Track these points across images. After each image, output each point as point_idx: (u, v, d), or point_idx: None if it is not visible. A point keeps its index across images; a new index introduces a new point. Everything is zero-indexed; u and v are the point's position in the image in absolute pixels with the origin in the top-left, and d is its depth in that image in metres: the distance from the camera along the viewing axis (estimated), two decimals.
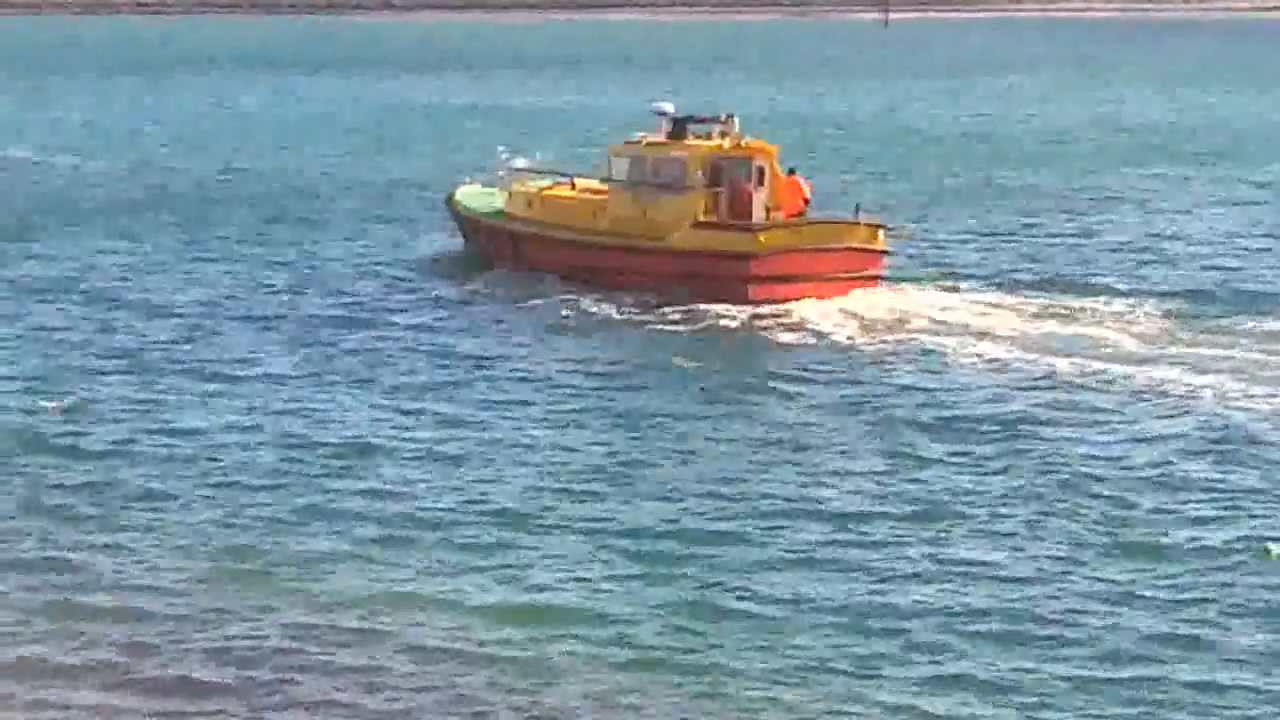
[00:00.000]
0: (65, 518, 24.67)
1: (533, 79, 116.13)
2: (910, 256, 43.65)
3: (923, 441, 28.57)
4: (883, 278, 40.09)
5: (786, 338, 36.77)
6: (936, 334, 36.59)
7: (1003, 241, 48.70)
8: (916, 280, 41.14)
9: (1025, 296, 40.08)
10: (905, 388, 32.37)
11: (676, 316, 38.05)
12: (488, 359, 34.38)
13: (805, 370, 33.87)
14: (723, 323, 37.81)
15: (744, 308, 38.43)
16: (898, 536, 24.05)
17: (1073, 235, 50.12)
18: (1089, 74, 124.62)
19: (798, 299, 38.78)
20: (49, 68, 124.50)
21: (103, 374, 32.81)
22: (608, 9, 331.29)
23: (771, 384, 32.84)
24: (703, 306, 38.52)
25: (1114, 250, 47.15)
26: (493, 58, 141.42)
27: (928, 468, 27.11)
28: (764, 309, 38.31)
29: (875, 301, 39.05)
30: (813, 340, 36.49)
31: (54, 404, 30.00)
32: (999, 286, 41.21)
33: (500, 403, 31.04)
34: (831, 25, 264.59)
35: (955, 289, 40.73)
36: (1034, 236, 49.74)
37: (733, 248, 39.35)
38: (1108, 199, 57.59)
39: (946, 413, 30.51)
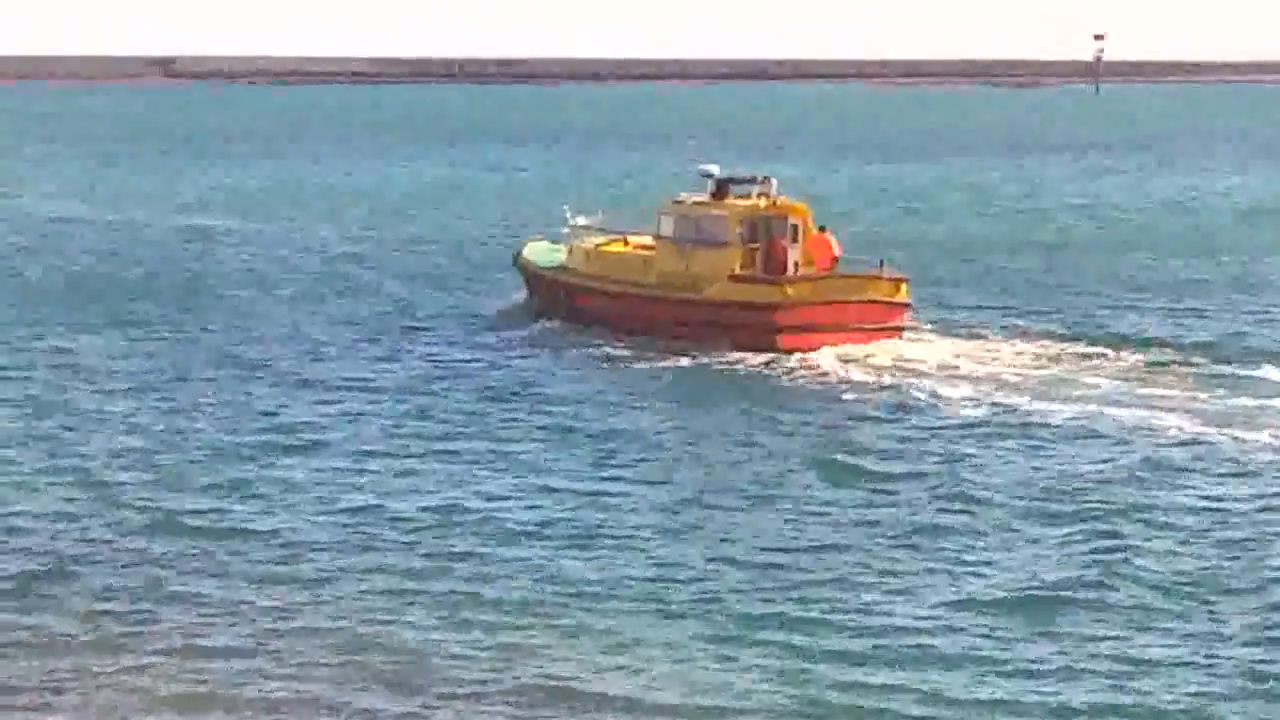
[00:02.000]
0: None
1: (731, 147, 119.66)
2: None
3: (903, 483, 29.91)
4: (905, 329, 42.60)
5: (806, 383, 39.17)
6: (948, 382, 38.74)
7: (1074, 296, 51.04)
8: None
9: (1046, 346, 42.39)
10: (905, 432, 33.99)
11: (709, 363, 40.79)
12: (515, 403, 36.84)
13: (813, 412, 35.91)
14: (750, 369, 40.38)
15: (773, 355, 41.15)
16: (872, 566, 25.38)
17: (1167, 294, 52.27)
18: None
19: (823, 348, 41.40)
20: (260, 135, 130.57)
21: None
22: (815, 78, 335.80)
23: (776, 422, 34.85)
24: (735, 355, 41.31)
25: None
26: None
27: (915, 511, 28.38)
28: (792, 358, 40.95)
29: (896, 351, 41.54)
30: (830, 385, 38.82)
31: None
32: (1023, 336, 43.54)
33: (507, 438, 33.49)
34: (1044, 94, 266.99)
35: (982, 338, 43.14)
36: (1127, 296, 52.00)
37: (762, 299, 42.13)
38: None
39: (930, 454, 32.06)
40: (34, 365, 40.06)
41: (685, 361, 40.88)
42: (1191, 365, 40.25)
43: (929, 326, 44.10)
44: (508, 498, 29.05)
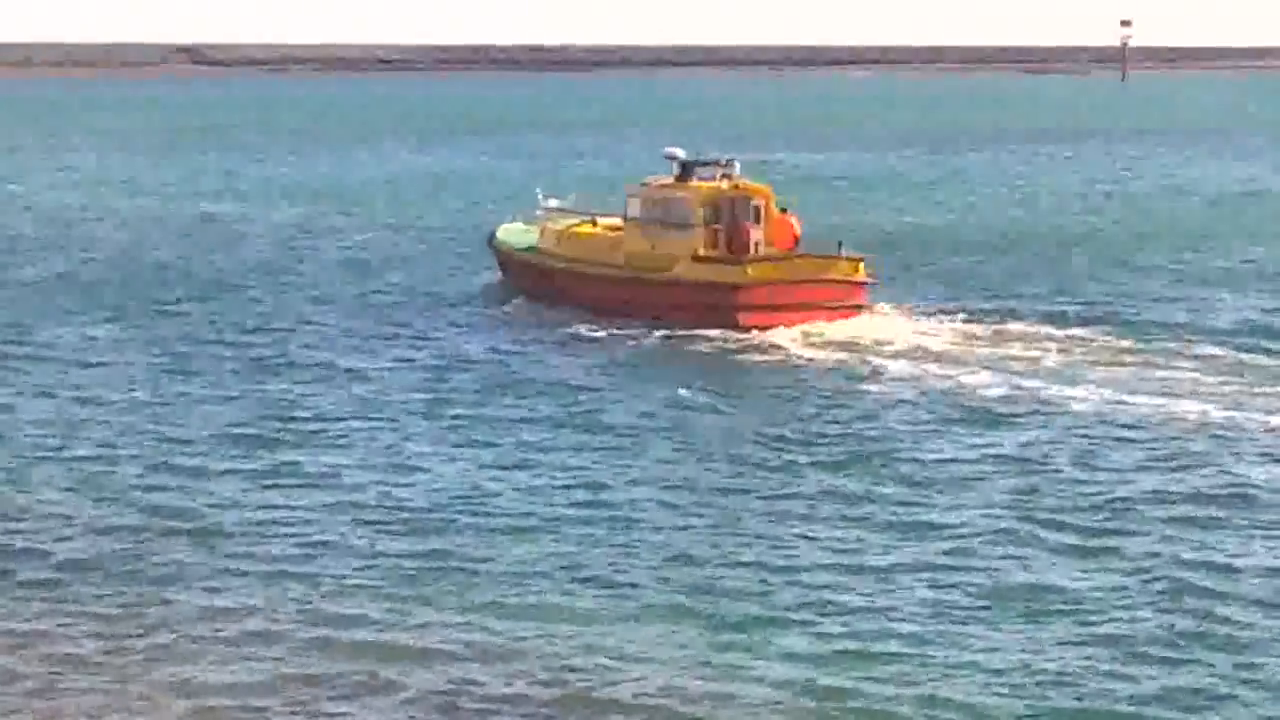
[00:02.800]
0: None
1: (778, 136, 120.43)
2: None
3: (850, 455, 30.75)
4: (863, 307, 43.54)
5: (764, 360, 40.07)
6: (903, 358, 39.62)
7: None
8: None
9: (1003, 327, 43.30)
10: (854, 405, 34.78)
11: (672, 341, 41.78)
12: (477, 378, 37.75)
13: (768, 389, 36.86)
14: (711, 347, 41.34)
15: (734, 334, 42.13)
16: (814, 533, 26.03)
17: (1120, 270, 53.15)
18: None
19: (784, 326, 42.38)
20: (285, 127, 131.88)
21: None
22: (842, 65, 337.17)
23: (730, 399, 35.70)
24: (698, 333, 42.34)
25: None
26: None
27: (850, 477, 29.17)
28: (752, 336, 41.93)
29: (855, 329, 42.47)
30: (785, 361, 39.83)
31: None
32: (980, 317, 44.46)
33: (470, 416, 34.18)
34: (1069, 82, 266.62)
35: (940, 317, 44.07)
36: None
37: (724, 279, 43.12)
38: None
39: (872, 429, 32.80)
40: (24, 356, 40.27)
41: (649, 340, 41.90)
42: (1146, 344, 41.08)
43: (889, 306, 44.92)
44: (452, 472, 29.70)
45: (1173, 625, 22.09)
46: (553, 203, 48.76)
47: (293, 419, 33.67)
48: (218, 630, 21.95)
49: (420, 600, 22.97)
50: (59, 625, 22.23)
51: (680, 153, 46.09)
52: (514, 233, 49.74)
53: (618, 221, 46.48)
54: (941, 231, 65.80)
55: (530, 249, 47.88)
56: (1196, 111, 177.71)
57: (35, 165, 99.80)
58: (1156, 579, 23.83)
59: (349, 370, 38.66)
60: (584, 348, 41.35)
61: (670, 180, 45.53)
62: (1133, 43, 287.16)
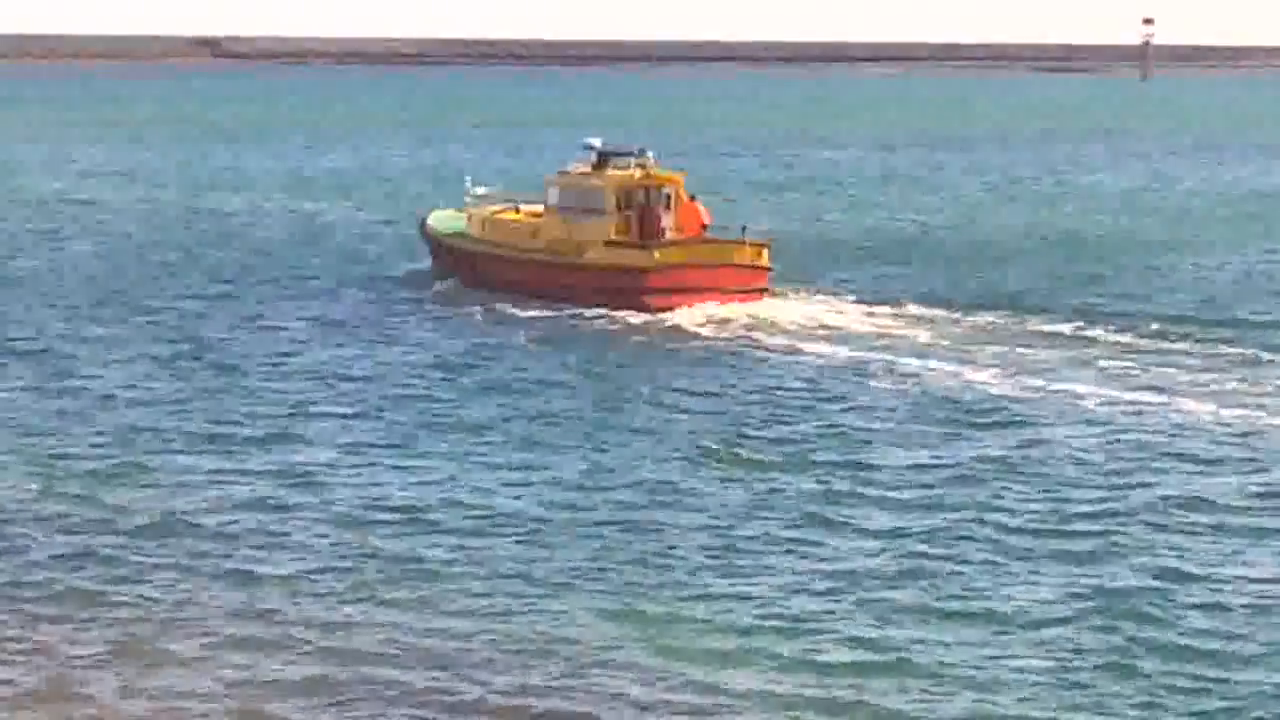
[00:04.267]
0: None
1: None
2: None
3: (749, 432, 32.22)
4: (766, 290, 45.54)
5: (668, 341, 42.05)
6: (800, 338, 41.69)
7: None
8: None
9: (900, 308, 45.30)
10: (754, 383, 36.58)
11: (583, 323, 43.82)
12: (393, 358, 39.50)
13: (668, 368, 38.67)
14: (620, 329, 43.29)
15: (642, 315, 44.17)
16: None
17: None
18: None
19: (688, 308, 44.37)
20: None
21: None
22: (856, 61, 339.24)
23: (631, 378, 37.42)
24: (608, 314, 44.40)
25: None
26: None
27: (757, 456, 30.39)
28: (659, 317, 43.92)
29: (756, 311, 44.47)
30: (688, 342, 41.86)
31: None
32: (883, 300, 46.44)
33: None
34: (1089, 82, 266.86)
35: (836, 300, 46.10)
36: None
37: (632, 263, 45.20)
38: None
39: (774, 407, 34.42)
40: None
41: (562, 322, 43.91)
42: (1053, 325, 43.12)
43: (791, 290, 46.86)
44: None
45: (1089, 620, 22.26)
46: (480, 190, 50.88)
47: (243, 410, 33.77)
48: (189, 633, 21.70)
49: (389, 602, 22.77)
50: (49, 625, 22.02)
51: (597, 142, 48.19)
52: (444, 219, 51.84)
53: (539, 208, 48.54)
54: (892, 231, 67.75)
55: (458, 234, 49.99)
56: (1218, 112, 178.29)
57: (43, 155, 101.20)
58: (1055, 555, 24.70)
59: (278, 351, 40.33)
60: (497, 329, 43.16)
61: (587, 169, 47.59)
62: (1155, 41, 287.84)
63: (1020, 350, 40.23)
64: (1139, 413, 34.02)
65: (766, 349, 40.59)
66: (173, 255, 56.92)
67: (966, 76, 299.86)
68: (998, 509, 27.03)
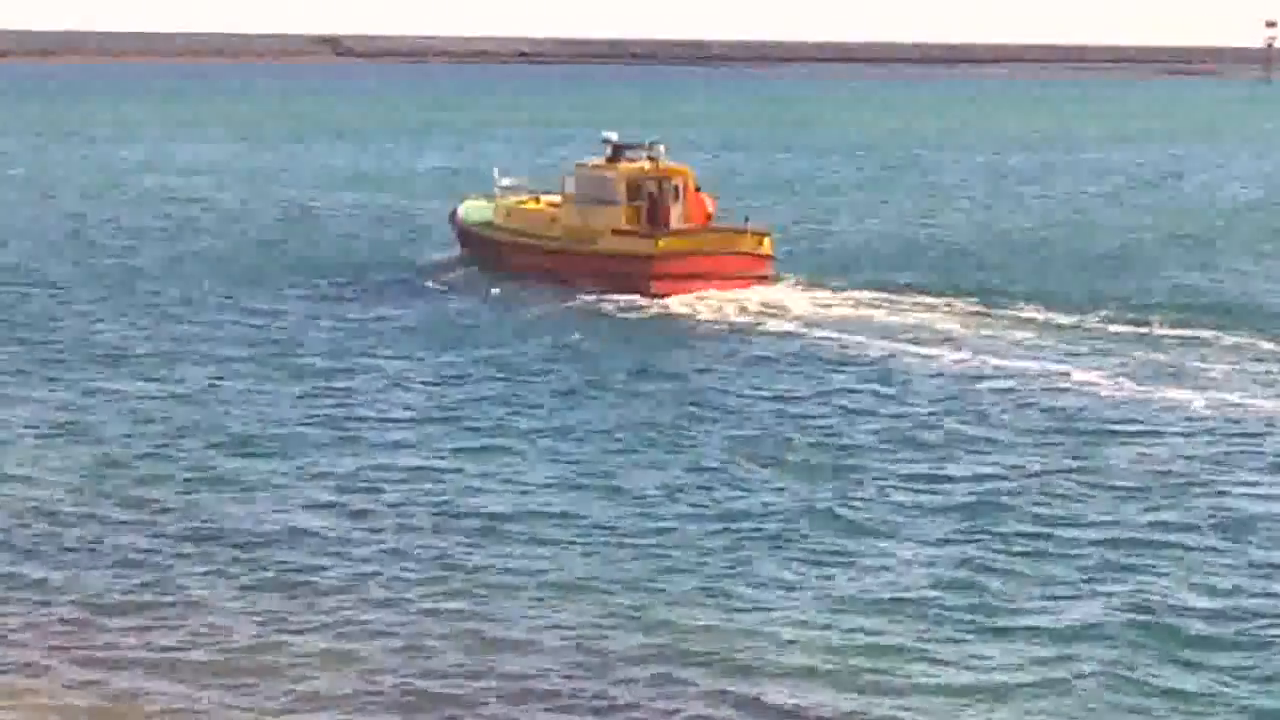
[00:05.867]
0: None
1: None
2: None
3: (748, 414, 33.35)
4: (767, 277, 47.61)
5: (670, 324, 44.15)
6: (798, 323, 43.48)
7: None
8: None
9: (900, 297, 47.06)
10: (755, 368, 38.03)
11: (592, 306, 46.07)
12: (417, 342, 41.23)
13: (677, 348, 40.82)
14: (626, 312, 45.50)
15: (647, 300, 46.39)
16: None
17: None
18: None
19: (691, 293, 46.57)
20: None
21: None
22: (982, 63, 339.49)
23: (635, 359, 38.90)
24: (616, 298, 46.66)
25: None
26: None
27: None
28: (663, 302, 46.12)
29: (756, 296, 46.54)
30: (692, 325, 43.85)
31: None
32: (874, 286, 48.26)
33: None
34: (1210, 84, 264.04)
35: (834, 289, 47.99)
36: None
37: (638, 250, 47.53)
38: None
39: (769, 387, 35.93)
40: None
41: (572, 305, 46.15)
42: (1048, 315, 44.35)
43: (793, 278, 48.79)
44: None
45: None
46: (506, 180, 53.43)
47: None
48: (248, 642, 21.40)
49: (458, 613, 22.38)
50: (65, 625, 21.97)
51: (614, 136, 50.53)
52: (475, 208, 54.39)
53: (558, 198, 50.96)
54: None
55: (484, 223, 52.54)
56: None
57: (152, 152, 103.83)
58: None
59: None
60: (506, 314, 45.24)
61: (602, 161, 49.98)
62: (1278, 44, 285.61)
63: (1110, 352, 40.11)
64: (1235, 419, 33.24)
65: (818, 345, 40.90)
66: (276, 254, 57.15)
67: (1088, 79, 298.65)
68: (1047, 518, 26.53)
